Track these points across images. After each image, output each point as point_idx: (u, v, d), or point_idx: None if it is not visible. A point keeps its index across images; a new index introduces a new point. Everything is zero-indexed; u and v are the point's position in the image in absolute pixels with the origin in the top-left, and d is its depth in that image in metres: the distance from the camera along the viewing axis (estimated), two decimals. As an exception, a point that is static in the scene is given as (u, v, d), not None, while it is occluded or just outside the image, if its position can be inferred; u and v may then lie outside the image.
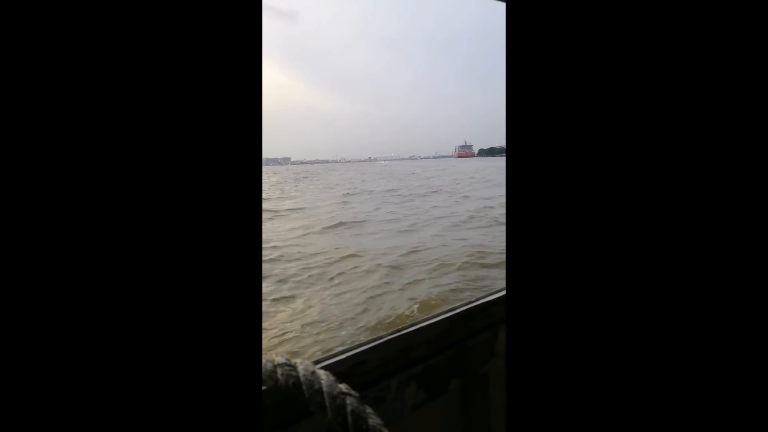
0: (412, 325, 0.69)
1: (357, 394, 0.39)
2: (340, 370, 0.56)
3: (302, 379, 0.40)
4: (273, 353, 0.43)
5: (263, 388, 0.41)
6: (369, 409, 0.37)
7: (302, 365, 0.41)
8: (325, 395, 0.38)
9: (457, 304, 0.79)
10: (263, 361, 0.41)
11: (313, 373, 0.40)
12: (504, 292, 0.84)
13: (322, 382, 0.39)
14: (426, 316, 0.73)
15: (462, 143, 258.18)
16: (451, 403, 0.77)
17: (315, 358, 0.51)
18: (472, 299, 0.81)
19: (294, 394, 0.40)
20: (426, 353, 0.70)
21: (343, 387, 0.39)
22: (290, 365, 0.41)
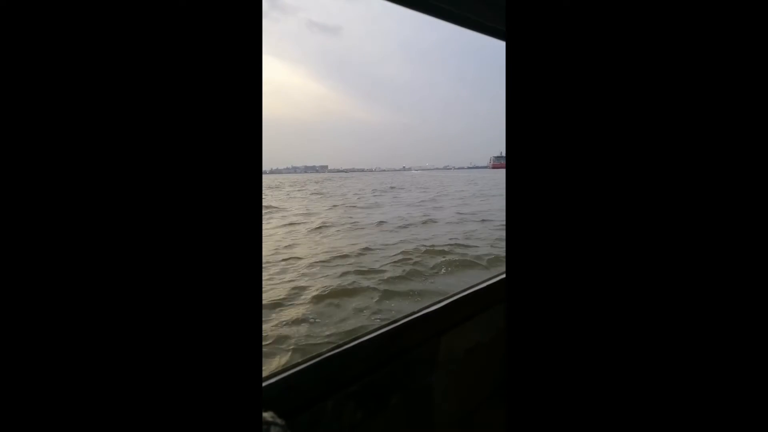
0: (350, 341, 0.68)
1: (283, 422, 0.36)
2: (270, 396, 0.54)
3: None
4: None
5: None
6: None
7: None
8: None
9: (398, 317, 0.78)
10: None
11: None
12: (444, 303, 0.87)
13: None
14: (364, 332, 0.72)
15: (497, 154, 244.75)
16: (393, 419, 0.75)
17: None
18: (415, 310, 0.80)
19: None
20: (365, 369, 0.68)
21: (267, 415, 0.36)
22: None
